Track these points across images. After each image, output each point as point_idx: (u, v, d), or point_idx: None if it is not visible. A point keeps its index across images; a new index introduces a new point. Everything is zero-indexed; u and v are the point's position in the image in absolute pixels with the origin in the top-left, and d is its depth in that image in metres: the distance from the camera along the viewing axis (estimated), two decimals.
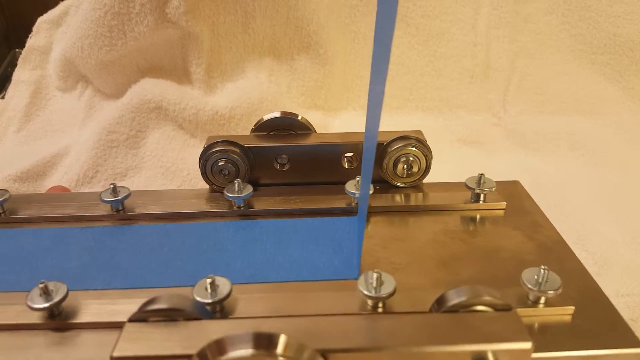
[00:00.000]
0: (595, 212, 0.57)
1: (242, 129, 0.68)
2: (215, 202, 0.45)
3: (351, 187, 0.43)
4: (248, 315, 0.30)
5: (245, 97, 0.69)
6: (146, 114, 0.67)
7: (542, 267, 0.31)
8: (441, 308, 0.28)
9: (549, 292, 0.31)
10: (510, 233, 0.41)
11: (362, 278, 0.31)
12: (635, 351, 0.29)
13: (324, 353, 0.26)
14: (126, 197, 0.43)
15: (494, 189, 0.43)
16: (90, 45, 0.69)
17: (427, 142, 0.45)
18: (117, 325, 0.28)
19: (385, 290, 0.30)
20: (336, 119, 0.77)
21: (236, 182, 0.42)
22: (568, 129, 0.74)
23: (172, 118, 0.68)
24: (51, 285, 0.31)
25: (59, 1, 0.84)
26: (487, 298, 0.28)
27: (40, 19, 0.83)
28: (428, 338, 0.27)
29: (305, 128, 0.47)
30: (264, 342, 0.24)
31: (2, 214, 0.43)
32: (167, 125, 0.68)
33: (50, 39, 0.82)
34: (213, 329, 0.27)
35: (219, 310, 0.31)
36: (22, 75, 0.80)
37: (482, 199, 0.43)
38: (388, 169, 0.45)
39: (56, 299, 0.30)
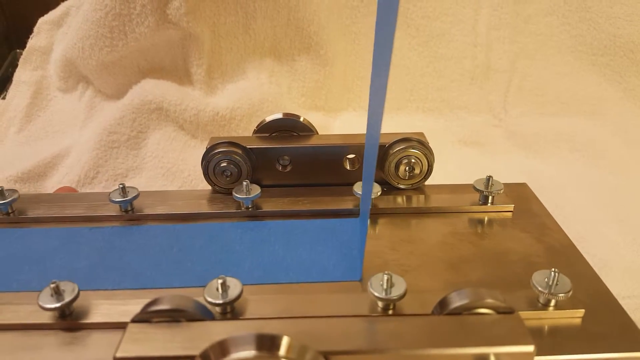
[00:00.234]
0: (595, 214, 0.57)
1: (243, 130, 0.68)
2: (223, 203, 0.45)
3: (359, 188, 0.43)
4: (258, 316, 0.31)
5: (246, 98, 0.69)
6: (147, 115, 0.67)
7: (553, 269, 0.31)
8: (444, 311, 0.28)
9: (560, 294, 0.31)
10: (519, 235, 0.41)
11: (372, 279, 0.31)
12: None
13: (326, 355, 0.26)
14: (135, 197, 0.43)
15: (502, 191, 0.43)
16: (91, 46, 0.69)
17: (429, 144, 0.45)
18: None
19: (396, 292, 0.30)
20: (337, 120, 0.77)
21: (244, 183, 0.42)
22: (568, 130, 0.74)
23: (173, 119, 0.68)
24: (62, 285, 0.31)
25: (59, 2, 0.83)
26: (489, 301, 0.28)
27: (41, 20, 0.83)
28: (430, 341, 0.27)
29: (307, 129, 0.48)
30: (267, 343, 0.24)
31: (11, 214, 0.43)
32: (167, 126, 0.68)
33: (51, 40, 0.82)
34: (216, 330, 0.27)
35: (230, 311, 0.31)
36: (23, 75, 0.80)
37: (490, 201, 0.43)
38: (390, 171, 0.45)
39: (67, 299, 0.30)
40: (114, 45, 0.68)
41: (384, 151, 0.45)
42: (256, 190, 0.43)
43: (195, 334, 0.27)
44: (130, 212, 0.43)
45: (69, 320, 0.31)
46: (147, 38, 0.67)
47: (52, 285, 0.30)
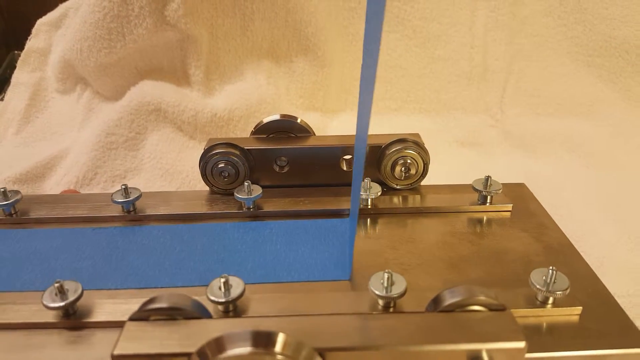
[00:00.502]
0: (591, 214, 0.57)
1: (241, 131, 0.68)
2: (225, 203, 0.45)
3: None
4: (259, 314, 0.31)
5: (244, 99, 0.69)
6: (145, 116, 0.67)
7: (551, 267, 0.32)
8: (437, 308, 0.29)
9: (557, 292, 0.31)
10: (518, 235, 0.41)
11: (373, 278, 0.31)
12: None
13: (322, 352, 0.26)
14: (137, 198, 0.43)
15: (500, 191, 0.43)
16: (89, 48, 0.69)
17: (425, 145, 0.45)
18: None
19: (397, 290, 0.30)
20: (334, 120, 0.78)
21: (246, 184, 0.43)
22: (564, 130, 0.75)
23: (171, 120, 0.68)
24: (66, 285, 0.31)
25: (58, 3, 0.84)
26: (482, 298, 0.28)
27: (39, 21, 0.83)
28: (424, 337, 0.27)
29: (304, 131, 0.48)
30: (263, 340, 0.25)
31: (14, 215, 0.43)
32: (166, 127, 0.68)
33: (49, 41, 0.82)
34: (212, 328, 0.27)
35: (232, 309, 0.31)
36: (21, 77, 0.80)
37: (488, 201, 0.44)
38: (386, 172, 0.46)
39: (71, 298, 0.31)
40: (112, 47, 0.68)
41: (380, 152, 0.45)
42: (257, 190, 0.43)
43: (192, 332, 0.27)
44: (132, 212, 0.43)
45: (73, 319, 0.31)
46: (145, 40, 0.67)
47: (56, 285, 0.31)
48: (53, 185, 0.64)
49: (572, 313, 0.32)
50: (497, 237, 0.41)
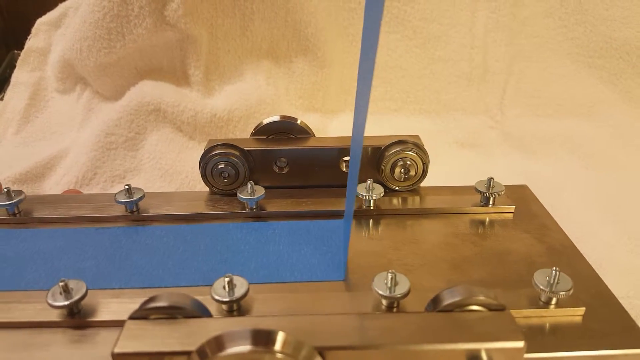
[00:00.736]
0: (591, 215, 0.57)
1: (240, 132, 0.68)
2: (228, 204, 0.45)
3: (362, 189, 0.43)
4: (263, 314, 0.31)
5: (244, 100, 0.69)
6: (145, 116, 0.67)
7: (554, 268, 0.32)
8: (436, 307, 0.29)
9: (561, 293, 0.31)
10: (520, 236, 0.41)
11: (376, 278, 0.31)
12: None
13: (321, 350, 0.26)
14: (141, 198, 0.43)
15: (503, 192, 0.43)
16: (89, 47, 0.69)
17: (425, 147, 0.45)
18: None
19: (400, 290, 0.31)
20: (333, 121, 0.78)
21: (249, 184, 0.43)
22: (564, 132, 0.74)
23: (170, 120, 0.68)
24: (71, 284, 0.31)
25: (57, 3, 0.84)
26: (481, 298, 0.28)
27: (39, 21, 0.83)
28: (423, 336, 0.27)
29: (304, 132, 0.48)
30: (262, 338, 0.25)
31: (18, 214, 0.43)
32: (165, 127, 0.68)
33: (49, 41, 0.82)
34: (212, 327, 0.27)
35: (236, 309, 0.31)
36: (20, 76, 0.80)
37: (491, 202, 0.44)
38: (385, 173, 0.46)
39: (76, 297, 0.31)
40: (111, 47, 0.68)
41: (379, 153, 0.45)
42: (260, 191, 0.43)
43: (192, 330, 0.27)
44: (135, 212, 0.43)
45: (77, 318, 0.31)
46: (144, 40, 0.67)
47: (61, 284, 0.31)
48: (53, 185, 0.64)
49: (575, 314, 0.32)
50: (499, 238, 0.41)
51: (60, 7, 0.83)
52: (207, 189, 0.47)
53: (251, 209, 0.44)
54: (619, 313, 0.33)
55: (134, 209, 0.43)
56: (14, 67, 0.81)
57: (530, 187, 0.49)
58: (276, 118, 0.48)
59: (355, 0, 0.77)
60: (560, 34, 0.79)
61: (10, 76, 0.81)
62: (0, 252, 0.39)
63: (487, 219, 0.43)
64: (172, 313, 0.28)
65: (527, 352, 0.28)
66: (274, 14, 0.72)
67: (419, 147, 0.45)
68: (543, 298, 0.32)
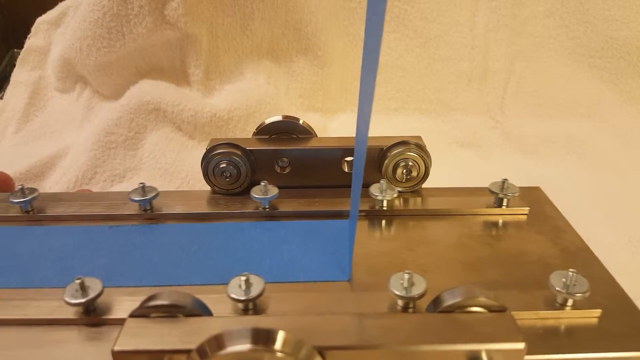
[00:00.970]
0: (592, 215, 0.57)
1: (241, 131, 0.68)
2: (241, 203, 0.45)
3: (375, 190, 0.43)
4: (279, 313, 0.31)
5: (244, 99, 0.69)
6: (144, 116, 0.67)
7: (571, 270, 0.31)
8: (437, 308, 0.29)
9: (577, 294, 0.31)
10: (534, 237, 0.41)
11: (392, 278, 0.31)
12: None
13: (321, 350, 0.26)
14: (155, 196, 0.43)
15: (517, 194, 0.43)
16: (89, 47, 0.69)
17: (427, 148, 0.45)
18: None
19: (416, 290, 0.30)
20: (334, 121, 0.78)
21: (262, 184, 0.43)
22: (565, 132, 0.74)
23: (170, 120, 0.68)
24: (87, 282, 0.31)
25: (57, 2, 0.83)
26: (482, 299, 0.28)
27: (39, 20, 0.83)
28: (423, 337, 0.27)
29: (306, 132, 0.48)
30: (263, 337, 0.25)
31: (31, 212, 0.43)
32: (165, 126, 0.68)
33: (49, 40, 0.82)
34: (213, 325, 0.27)
35: (252, 307, 0.31)
36: (20, 75, 0.80)
37: (505, 204, 0.44)
38: (387, 174, 0.46)
39: (92, 295, 0.31)
40: (111, 46, 0.68)
41: (382, 154, 0.45)
42: (274, 191, 0.43)
43: (192, 329, 0.27)
44: (149, 211, 0.43)
45: (93, 316, 0.31)
46: (144, 39, 0.67)
47: (78, 281, 0.31)
48: (52, 185, 0.64)
49: (592, 315, 0.32)
50: (514, 239, 0.41)
51: (60, 6, 0.83)
52: (207, 188, 0.47)
53: (264, 208, 0.44)
54: (636, 315, 0.33)
55: (148, 207, 0.43)
56: (14, 66, 0.81)
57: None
58: (278, 118, 0.48)
59: None
60: (561, 33, 0.79)
61: (10, 75, 0.81)
62: (14, 249, 0.39)
63: (501, 221, 0.43)
64: (173, 311, 0.28)
65: (545, 353, 0.28)
66: (274, 13, 0.72)
67: (421, 148, 0.45)
68: (559, 300, 0.32)
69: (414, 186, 0.46)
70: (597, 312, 0.32)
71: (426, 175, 0.46)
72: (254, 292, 0.31)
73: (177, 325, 0.27)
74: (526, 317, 0.32)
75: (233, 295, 0.30)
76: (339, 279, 0.36)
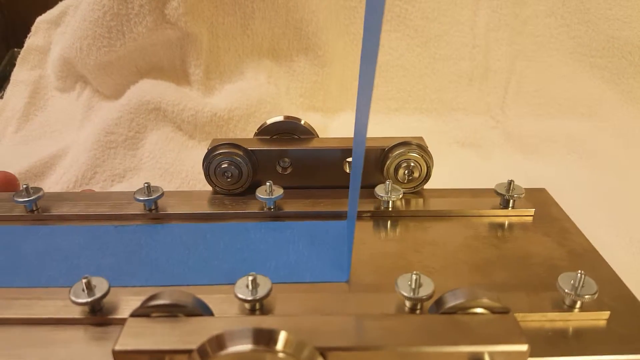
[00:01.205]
0: (592, 215, 0.57)
1: (241, 131, 0.68)
2: (245, 203, 0.45)
3: (381, 190, 0.43)
4: (285, 314, 0.31)
5: (244, 99, 0.69)
6: (145, 115, 0.67)
7: (579, 271, 0.31)
8: (439, 310, 0.29)
9: (586, 296, 0.31)
10: (541, 239, 0.41)
11: (399, 280, 0.31)
12: None
13: (323, 351, 0.26)
14: (160, 196, 0.43)
15: (523, 195, 0.43)
16: (89, 46, 0.69)
17: (428, 148, 0.45)
18: None
19: (424, 292, 0.30)
20: (334, 121, 0.77)
21: (268, 184, 0.43)
22: (566, 131, 0.74)
23: (170, 119, 0.68)
24: (94, 281, 0.31)
25: (57, 1, 0.83)
26: (484, 300, 0.28)
27: (39, 19, 0.83)
28: (425, 338, 0.27)
29: (308, 132, 0.48)
30: (264, 338, 0.25)
31: (36, 211, 0.43)
32: (165, 126, 0.68)
33: (49, 39, 0.82)
34: (214, 325, 0.27)
35: (259, 308, 0.31)
36: (20, 75, 0.80)
37: (511, 205, 0.44)
38: (389, 174, 0.45)
39: (98, 294, 0.31)
40: (111, 45, 0.68)
41: (383, 154, 0.45)
42: (279, 191, 0.43)
43: (193, 329, 0.27)
44: (154, 211, 0.43)
45: (99, 315, 0.31)
46: (145, 38, 0.67)
47: (84, 281, 0.30)
48: (52, 184, 0.64)
49: (600, 317, 0.32)
50: (520, 241, 0.41)
51: (60, 6, 0.83)
52: (208, 187, 0.47)
53: (269, 208, 0.43)
54: None
55: (153, 207, 0.43)
56: (14, 65, 0.81)
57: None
58: (280, 118, 0.48)
59: None
60: (562, 33, 0.79)
61: (10, 74, 0.81)
62: (19, 248, 0.39)
63: (507, 222, 0.43)
64: (174, 311, 0.28)
65: (553, 355, 0.28)
66: (275, 12, 0.72)
67: (423, 149, 0.45)
68: (567, 301, 0.32)
69: (415, 187, 0.46)
70: (606, 314, 0.32)
71: (428, 176, 0.46)
72: (261, 292, 0.30)
73: (178, 325, 0.27)
74: (534, 319, 0.31)
75: (240, 296, 0.30)
76: (338, 279, 0.36)
